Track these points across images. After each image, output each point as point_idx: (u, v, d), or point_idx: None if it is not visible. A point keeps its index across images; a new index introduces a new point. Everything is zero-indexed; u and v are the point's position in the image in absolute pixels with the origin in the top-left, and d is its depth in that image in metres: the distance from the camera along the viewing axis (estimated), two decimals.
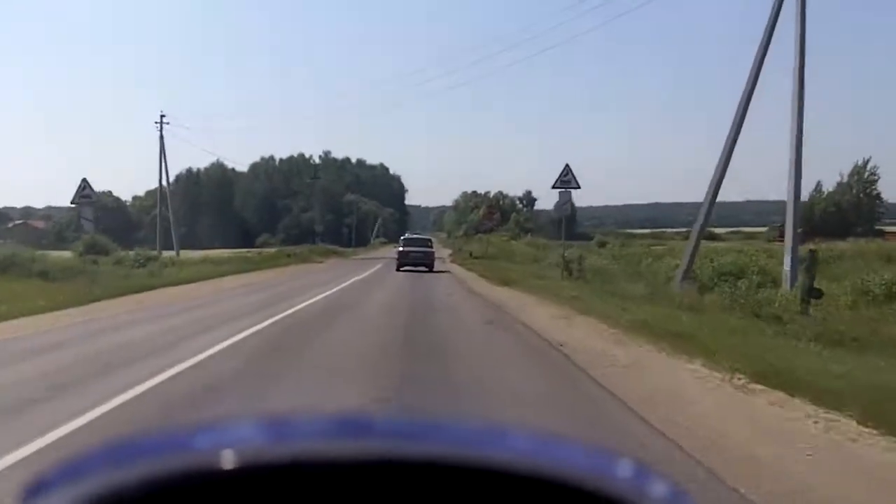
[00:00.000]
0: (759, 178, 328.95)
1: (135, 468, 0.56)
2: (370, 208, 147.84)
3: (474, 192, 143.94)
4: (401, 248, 43.00)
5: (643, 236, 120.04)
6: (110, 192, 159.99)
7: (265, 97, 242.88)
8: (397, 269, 40.40)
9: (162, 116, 69.47)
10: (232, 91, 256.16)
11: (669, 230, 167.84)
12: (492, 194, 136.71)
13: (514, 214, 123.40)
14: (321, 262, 52.17)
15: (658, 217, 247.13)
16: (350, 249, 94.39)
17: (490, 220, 51.90)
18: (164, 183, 74.62)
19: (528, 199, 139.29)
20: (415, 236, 48.65)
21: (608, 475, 0.60)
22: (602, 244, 79.95)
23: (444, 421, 0.62)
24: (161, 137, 70.17)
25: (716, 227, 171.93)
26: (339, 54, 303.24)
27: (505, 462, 0.58)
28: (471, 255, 49.97)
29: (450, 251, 71.19)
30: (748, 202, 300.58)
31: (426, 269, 40.32)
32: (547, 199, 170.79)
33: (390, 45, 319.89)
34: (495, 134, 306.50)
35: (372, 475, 0.57)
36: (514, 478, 0.58)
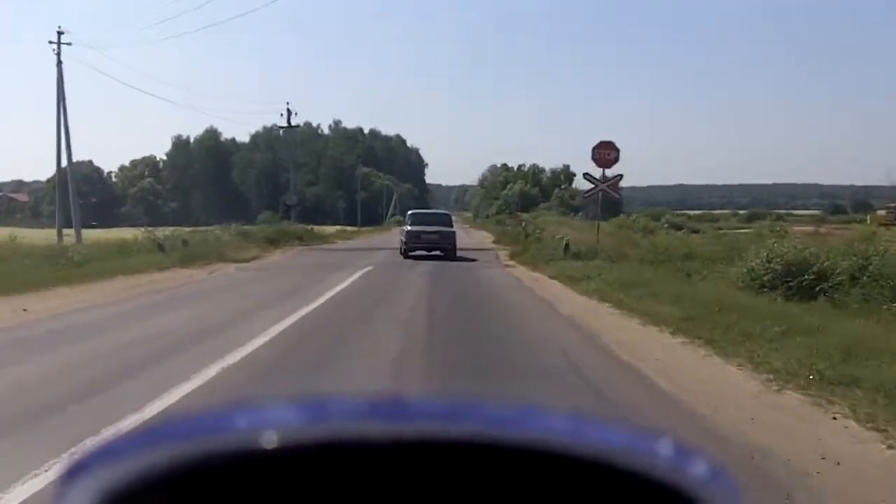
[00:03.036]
0: (788, 160, 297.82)
1: (172, 449, 0.55)
2: (384, 183, 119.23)
3: (504, 165, 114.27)
4: (408, 227, 27.32)
5: (700, 218, 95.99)
6: (90, 161, 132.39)
7: (271, 61, 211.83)
8: (405, 255, 25.83)
9: (60, 34, 40.56)
10: (235, 52, 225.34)
11: (717, 211, 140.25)
12: (527, 167, 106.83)
13: (556, 190, 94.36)
14: (243, 263, 22.22)
15: (684, 199, 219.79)
16: (352, 229, 66.58)
17: (603, 164, 21.66)
18: (63, 129, 43.93)
19: (566, 175, 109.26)
20: (428, 211, 34.99)
21: (648, 454, 0.57)
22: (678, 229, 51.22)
23: (480, 401, 0.59)
24: (59, 64, 40.77)
25: (745, 209, 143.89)
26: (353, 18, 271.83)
27: (542, 442, 0.56)
28: (566, 247, 20.15)
29: (492, 238, 41.52)
30: (776, 185, 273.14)
31: (442, 256, 25.46)
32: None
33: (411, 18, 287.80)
34: (518, 110, 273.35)
35: (410, 456, 0.55)
36: (552, 457, 0.55)
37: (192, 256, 22.03)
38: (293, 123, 48.47)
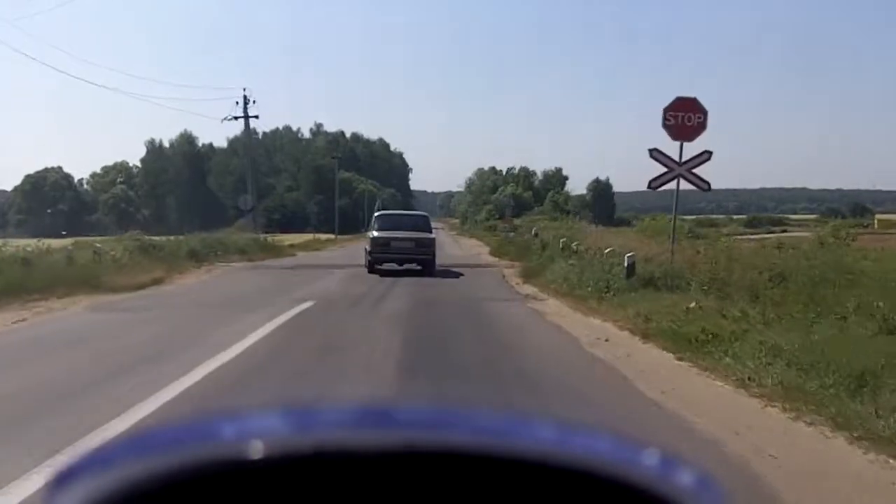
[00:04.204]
0: (776, 165, 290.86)
1: (160, 458, 0.54)
2: (367, 188, 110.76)
3: (492, 168, 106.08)
4: (374, 233, 19.82)
5: (700, 223, 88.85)
6: (60, 167, 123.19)
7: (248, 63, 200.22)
8: (370, 269, 19.08)
9: None
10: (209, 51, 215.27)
11: (715, 216, 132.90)
12: (517, 169, 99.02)
13: (550, 193, 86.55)
14: (126, 293, 13.34)
15: (671, 204, 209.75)
16: (327, 237, 58.84)
17: (682, 135, 12.68)
18: None
19: (559, 178, 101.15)
20: (399, 212, 26.22)
21: (635, 464, 0.56)
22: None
23: (469, 410, 0.59)
24: None
25: (735, 214, 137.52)
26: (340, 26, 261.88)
27: (529, 451, 0.55)
28: (631, 270, 11.14)
29: (488, 249, 33.18)
30: (763, 189, 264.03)
31: (420, 268, 18.72)
32: (577, 180, 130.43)
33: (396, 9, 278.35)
34: (505, 114, 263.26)
35: (397, 465, 0.54)
36: (539, 467, 0.54)
37: (27, 287, 13.25)
38: (251, 114, 39.61)
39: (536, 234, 23.83)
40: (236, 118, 39.63)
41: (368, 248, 19.69)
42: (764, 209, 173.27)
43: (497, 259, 26.38)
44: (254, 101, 40.02)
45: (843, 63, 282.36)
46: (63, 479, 0.55)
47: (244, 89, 40.42)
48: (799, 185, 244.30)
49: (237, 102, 39.68)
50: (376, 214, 22.17)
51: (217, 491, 0.53)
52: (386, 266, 19.08)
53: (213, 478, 0.53)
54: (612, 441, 0.57)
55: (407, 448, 0.53)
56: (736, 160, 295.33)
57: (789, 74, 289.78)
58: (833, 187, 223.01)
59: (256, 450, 0.52)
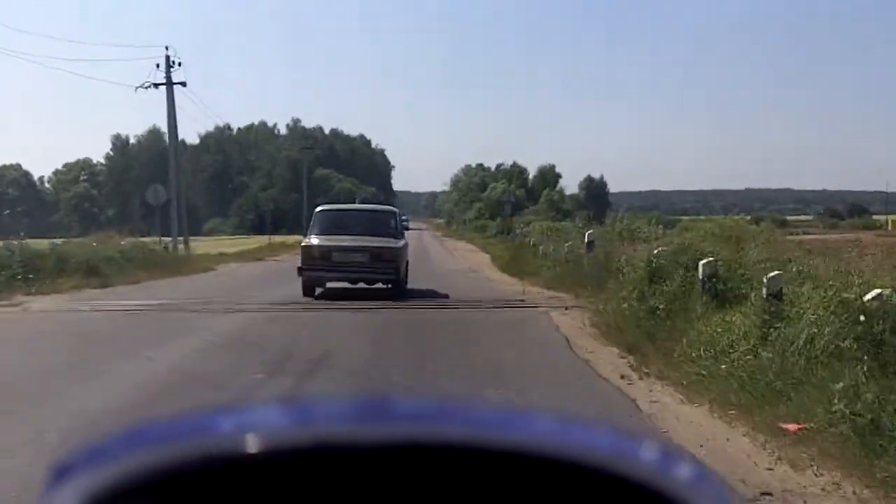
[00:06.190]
0: (760, 165, 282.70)
1: (158, 451, 0.53)
2: (346, 186, 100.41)
3: (480, 165, 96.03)
4: (312, 241, 13.37)
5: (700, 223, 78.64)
6: (19, 164, 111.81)
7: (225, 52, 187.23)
8: (306, 290, 12.90)
9: None
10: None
11: (717, 217, 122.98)
12: (507, 165, 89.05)
13: (545, 192, 76.75)
14: None
15: (658, 204, 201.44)
16: (296, 239, 47.74)
17: None
18: None
19: (552, 176, 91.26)
20: (350, 208, 18.72)
21: (633, 458, 0.55)
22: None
23: (467, 403, 0.58)
24: None
25: (724, 215, 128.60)
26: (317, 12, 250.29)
27: (528, 444, 0.54)
28: None
29: (489, 257, 22.86)
30: (748, 189, 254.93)
31: (383, 286, 12.95)
32: (570, 178, 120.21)
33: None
34: (491, 111, 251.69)
35: (395, 458, 0.53)
36: (538, 460, 0.53)
37: None
38: (176, 80, 28.97)
39: (591, 245, 13.36)
40: (156, 85, 28.85)
41: (300, 262, 13.28)
42: (750, 210, 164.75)
43: (514, 279, 16.29)
44: (179, 64, 29.30)
45: (827, 63, 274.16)
46: (61, 474, 0.54)
47: (166, 48, 29.60)
48: (784, 185, 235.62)
49: (158, 65, 28.88)
50: (317, 210, 14.71)
51: (216, 484, 0.52)
52: (333, 285, 13.14)
53: (212, 471, 0.52)
54: (610, 435, 0.56)
55: (406, 441, 0.52)
56: (722, 160, 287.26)
57: (773, 74, 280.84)
58: (818, 188, 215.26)
59: (255, 443, 0.51)
